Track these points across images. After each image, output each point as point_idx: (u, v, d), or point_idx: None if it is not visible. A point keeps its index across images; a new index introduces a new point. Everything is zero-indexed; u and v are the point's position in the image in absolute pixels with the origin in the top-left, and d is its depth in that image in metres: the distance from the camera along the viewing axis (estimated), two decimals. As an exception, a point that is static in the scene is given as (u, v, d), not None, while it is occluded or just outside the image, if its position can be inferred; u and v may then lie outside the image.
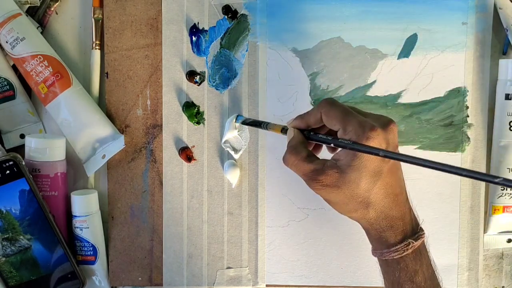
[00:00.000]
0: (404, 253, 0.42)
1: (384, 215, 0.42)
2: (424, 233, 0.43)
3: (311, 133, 0.44)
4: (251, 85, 0.55)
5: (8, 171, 0.50)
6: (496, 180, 0.35)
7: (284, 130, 0.46)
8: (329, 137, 0.42)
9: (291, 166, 0.44)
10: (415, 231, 0.43)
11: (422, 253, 0.43)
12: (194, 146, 0.56)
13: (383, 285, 0.46)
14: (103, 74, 0.56)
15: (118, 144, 0.54)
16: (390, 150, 0.40)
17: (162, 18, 0.55)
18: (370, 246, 0.55)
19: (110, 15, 0.55)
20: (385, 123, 0.41)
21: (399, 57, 0.54)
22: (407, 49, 0.54)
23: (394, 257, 0.43)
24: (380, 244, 0.44)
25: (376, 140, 0.40)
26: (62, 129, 0.54)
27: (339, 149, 0.42)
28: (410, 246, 0.42)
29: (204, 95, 0.55)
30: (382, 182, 0.41)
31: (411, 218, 0.43)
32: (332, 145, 0.42)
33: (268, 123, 0.49)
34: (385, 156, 0.39)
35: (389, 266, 0.44)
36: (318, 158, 0.43)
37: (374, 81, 0.55)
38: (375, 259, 0.55)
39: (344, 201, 0.42)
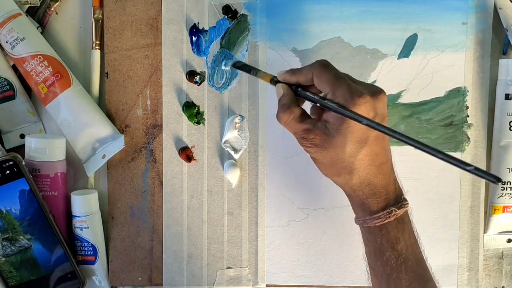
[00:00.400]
0: (386, 221, 0.42)
1: (367, 182, 0.42)
2: (407, 203, 0.43)
3: (299, 89, 0.44)
4: (251, 85, 0.55)
5: (8, 171, 0.50)
6: (468, 168, 0.36)
7: (273, 80, 0.46)
8: (316, 96, 0.42)
9: (284, 124, 0.44)
10: (398, 201, 0.43)
11: (404, 221, 0.43)
12: (194, 146, 0.56)
13: (365, 254, 0.46)
14: (103, 74, 0.56)
15: (118, 144, 0.54)
16: (377, 119, 0.41)
17: (162, 18, 0.55)
18: (370, 246, 0.55)
19: (110, 15, 0.55)
20: (374, 92, 0.41)
21: (399, 57, 0.54)
22: (407, 49, 0.54)
23: (376, 224, 0.43)
24: (363, 211, 0.44)
25: (363, 107, 0.40)
26: (62, 129, 0.54)
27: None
28: (393, 214, 0.42)
29: (204, 95, 0.55)
30: (367, 149, 0.41)
31: (395, 188, 0.44)
32: (318, 104, 0.42)
33: (259, 70, 0.49)
34: (367, 125, 0.39)
35: (371, 234, 0.44)
36: (310, 117, 0.44)
37: (374, 81, 0.55)
38: (375, 259, 0.55)
39: (330, 163, 0.43)
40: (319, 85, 0.42)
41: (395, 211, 0.42)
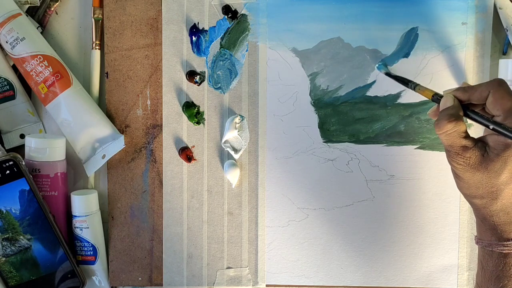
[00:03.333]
0: None
1: (508, 210, 0.42)
2: None
3: (469, 109, 0.42)
4: (251, 85, 0.55)
5: (8, 171, 0.50)
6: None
7: (436, 96, 0.45)
8: (490, 119, 0.41)
9: (444, 134, 0.42)
10: None
11: None
12: (194, 146, 0.56)
13: (476, 275, 0.46)
14: (103, 74, 0.56)
15: (118, 144, 0.54)
16: None
17: (162, 18, 0.55)
18: (369, 246, 0.55)
19: (110, 15, 0.55)
20: None
21: (399, 57, 0.54)
22: (407, 49, 0.54)
23: (503, 251, 0.43)
24: (492, 235, 0.44)
25: None
26: (62, 129, 0.55)
27: (490, 131, 0.41)
28: None
29: (204, 95, 0.55)
30: None
31: None
32: (491, 127, 0.40)
33: (418, 84, 0.48)
34: None
35: (492, 258, 0.44)
36: (469, 135, 0.43)
37: (374, 81, 0.55)
38: (375, 259, 0.56)
39: (476, 185, 0.42)
40: (493, 105, 0.41)
41: None
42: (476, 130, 0.55)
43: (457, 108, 0.43)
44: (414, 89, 0.48)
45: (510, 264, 0.43)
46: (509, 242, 0.43)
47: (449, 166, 0.53)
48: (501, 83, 0.41)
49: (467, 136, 0.42)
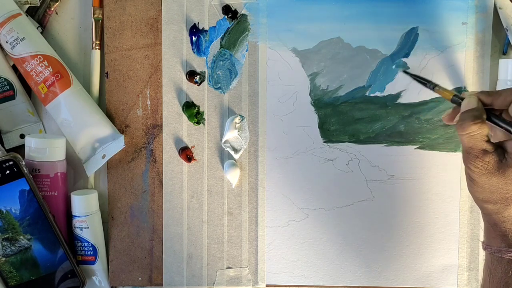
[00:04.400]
0: None
1: None
2: None
3: (493, 114, 0.42)
4: (251, 85, 0.55)
5: (8, 171, 0.50)
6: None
7: (456, 98, 0.45)
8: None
9: (466, 135, 0.42)
10: None
11: None
12: (194, 146, 0.56)
13: (483, 281, 0.46)
14: (103, 74, 0.56)
15: (118, 144, 0.54)
16: None
17: (162, 18, 0.55)
18: (369, 246, 0.55)
19: (110, 15, 0.55)
20: None
21: (398, 57, 0.54)
22: (407, 49, 0.54)
23: None
24: (502, 241, 0.44)
25: None
26: (62, 129, 0.55)
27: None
28: None
29: (204, 95, 0.55)
30: None
31: None
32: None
33: (437, 84, 0.48)
34: None
35: (501, 264, 0.44)
36: (490, 139, 0.43)
37: (374, 82, 0.55)
38: (375, 259, 0.56)
39: (491, 189, 0.42)
40: None
41: None
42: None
43: (481, 111, 0.42)
44: (433, 89, 0.48)
45: None
46: None
47: (449, 166, 0.53)
48: None
49: (488, 140, 0.42)
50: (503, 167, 0.41)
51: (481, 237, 0.55)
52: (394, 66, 0.54)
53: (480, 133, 0.42)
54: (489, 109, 0.43)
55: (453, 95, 0.45)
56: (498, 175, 0.41)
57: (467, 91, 0.54)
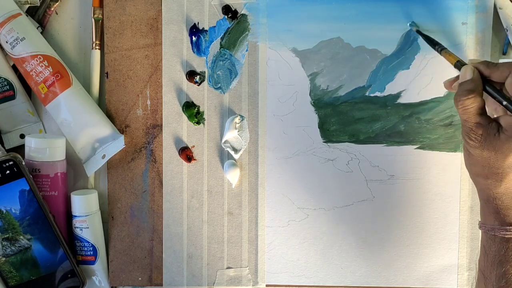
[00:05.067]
0: None
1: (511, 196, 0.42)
2: None
3: (488, 85, 0.43)
4: (251, 85, 0.55)
5: (8, 171, 0.50)
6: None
7: (458, 63, 0.45)
8: (506, 97, 0.41)
9: (462, 109, 0.43)
10: None
11: None
12: (194, 146, 0.56)
13: (479, 260, 0.46)
14: (103, 74, 0.56)
15: (118, 144, 0.54)
16: None
17: (162, 18, 0.55)
18: (369, 246, 0.55)
19: (110, 15, 0.55)
20: None
21: (398, 57, 0.54)
22: (407, 49, 0.54)
23: (505, 236, 0.43)
24: (495, 219, 0.44)
25: None
26: (62, 129, 0.55)
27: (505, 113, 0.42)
28: None
29: (204, 95, 0.55)
30: None
31: None
32: (504, 104, 0.41)
33: (445, 48, 0.48)
34: None
35: (495, 243, 0.44)
36: (486, 113, 0.43)
37: (374, 82, 0.55)
38: (375, 259, 0.56)
39: (483, 164, 0.42)
40: (511, 85, 0.41)
41: None
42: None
43: (477, 82, 0.43)
44: (440, 52, 0.49)
45: None
46: (511, 227, 0.42)
47: (449, 166, 0.53)
48: None
49: (483, 113, 0.42)
50: (495, 142, 0.41)
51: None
52: (408, 24, 0.53)
53: (474, 106, 0.42)
54: (487, 80, 0.43)
55: (457, 61, 0.46)
56: (490, 149, 0.41)
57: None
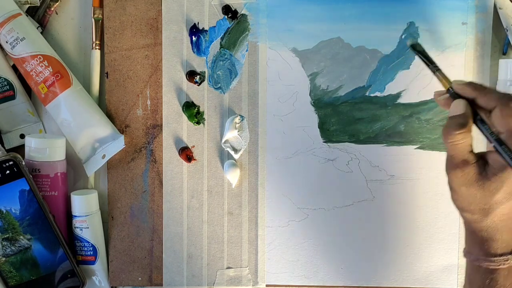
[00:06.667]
0: (500, 266, 0.42)
1: (497, 228, 0.42)
2: None
3: (479, 120, 0.41)
4: (251, 85, 0.55)
5: (8, 171, 0.50)
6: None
7: (451, 90, 0.43)
8: (494, 135, 0.40)
9: (450, 143, 0.42)
10: None
11: None
12: (194, 146, 0.56)
13: (463, 286, 0.46)
14: (103, 74, 0.56)
15: (118, 144, 0.54)
16: None
17: (162, 18, 0.55)
18: (369, 246, 0.55)
19: (110, 15, 0.55)
20: None
21: (399, 57, 0.54)
22: (407, 49, 0.54)
23: (489, 267, 0.42)
24: (479, 250, 0.43)
25: None
26: (62, 129, 0.55)
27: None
28: (508, 262, 0.42)
29: (204, 95, 0.55)
30: None
31: None
32: (492, 144, 0.40)
33: (439, 69, 0.46)
34: None
35: (478, 273, 0.43)
36: (473, 150, 0.42)
37: (374, 82, 0.55)
38: (375, 259, 0.56)
39: (469, 199, 0.42)
40: (498, 120, 0.40)
41: None
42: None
43: (468, 118, 0.42)
44: (434, 72, 0.46)
45: (496, 280, 0.42)
46: (496, 258, 0.42)
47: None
48: (511, 99, 0.40)
49: (471, 149, 0.42)
50: (482, 179, 0.41)
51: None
52: (403, 36, 0.53)
53: (463, 142, 0.41)
54: (477, 116, 0.42)
55: (450, 87, 0.44)
56: (476, 187, 0.41)
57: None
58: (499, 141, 0.40)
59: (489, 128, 0.41)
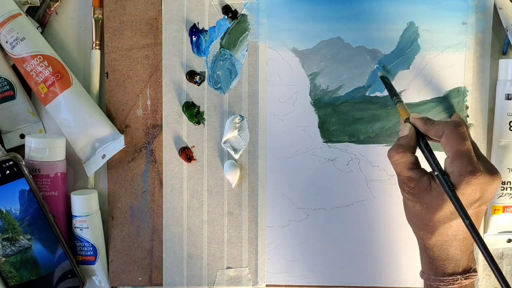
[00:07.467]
0: (450, 286, 0.43)
1: (443, 248, 0.43)
2: (475, 275, 0.44)
3: (423, 143, 0.45)
4: (251, 85, 0.55)
5: (8, 171, 0.50)
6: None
7: (407, 120, 0.46)
8: (434, 161, 0.42)
9: (392, 163, 0.45)
10: (467, 272, 0.44)
11: None
12: (194, 146, 0.56)
13: None
14: (103, 74, 0.56)
15: (118, 144, 0.54)
16: (480, 202, 0.41)
17: (162, 18, 0.55)
18: (369, 246, 0.55)
19: (110, 15, 0.55)
20: (491, 173, 0.41)
21: (399, 57, 0.54)
22: (406, 49, 0.54)
23: (439, 286, 0.43)
24: (429, 269, 0.44)
25: (473, 188, 0.40)
26: (62, 129, 0.55)
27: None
28: (458, 282, 0.43)
29: (204, 95, 0.55)
30: (456, 222, 0.42)
31: (468, 260, 0.44)
32: (433, 171, 0.42)
33: (401, 101, 0.49)
34: (468, 226, 0.39)
35: None
36: (420, 167, 0.44)
37: (374, 82, 0.55)
38: (375, 259, 0.56)
39: (416, 215, 0.43)
40: (445, 146, 0.42)
41: (461, 279, 0.43)
42: (476, 130, 0.54)
43: (409, 140, 0.45)
44: (395, 104, 0.49)
45: None
46: (445, 278, 0.43)
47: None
48: (456, 125, 0.42)
49: (414, 167, 0.44)
50: (427, 196, 0.42)
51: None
52: (375, 67, 0.54)
53: (403, 161, 0.44)
54: (426, 144, 0.45)
55: (407, 118, 0.47)
56: (421, 203, 0.43)
57: (467, 91, 0.54)
58: (437, 165, 0.42)
59: (431, 151, 0.44)
